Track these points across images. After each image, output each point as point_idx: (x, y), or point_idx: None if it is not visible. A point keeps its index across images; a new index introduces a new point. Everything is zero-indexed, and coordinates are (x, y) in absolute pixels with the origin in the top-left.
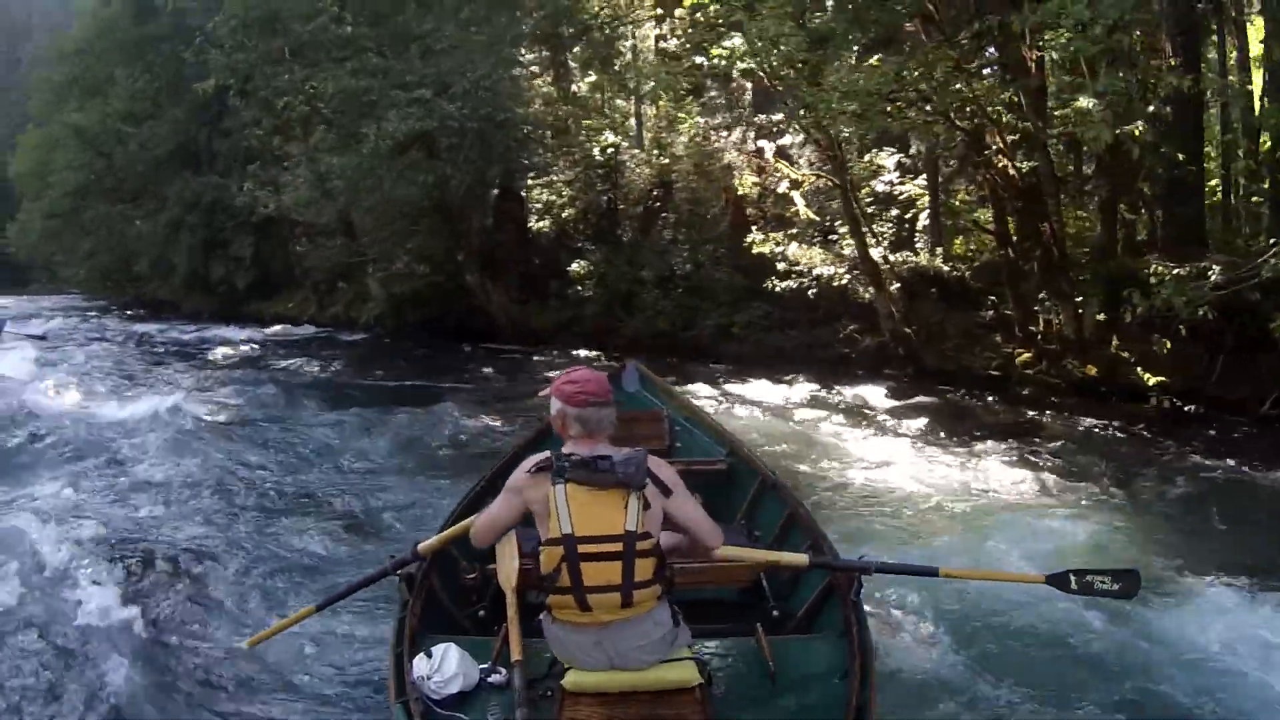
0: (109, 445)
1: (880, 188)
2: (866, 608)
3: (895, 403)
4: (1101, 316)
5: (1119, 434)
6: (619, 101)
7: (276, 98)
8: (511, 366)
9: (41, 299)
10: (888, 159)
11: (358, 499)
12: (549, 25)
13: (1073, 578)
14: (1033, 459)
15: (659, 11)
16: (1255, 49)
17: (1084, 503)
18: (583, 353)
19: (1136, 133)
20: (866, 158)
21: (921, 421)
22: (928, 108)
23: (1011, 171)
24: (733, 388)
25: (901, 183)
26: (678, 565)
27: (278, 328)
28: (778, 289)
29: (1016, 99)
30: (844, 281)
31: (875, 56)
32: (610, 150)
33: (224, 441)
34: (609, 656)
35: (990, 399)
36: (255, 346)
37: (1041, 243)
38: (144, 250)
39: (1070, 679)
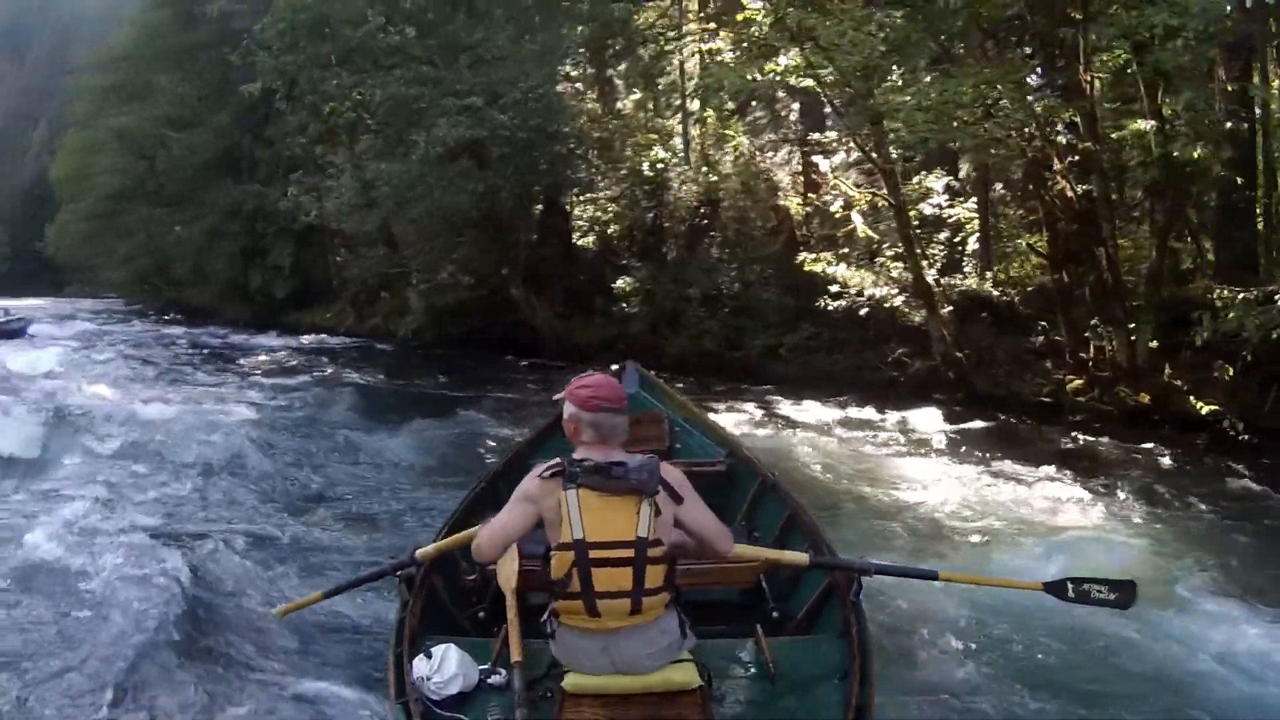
0: (143, 444)
1: (928, 210)
2: (866, 609)
3: (947, 428)
4: (1154, 344)
5: (1171, 462)
6: (659, 120)
7: (324, 103)
8: (554, 381)
9: (79, 301)
10: (936, 181)
11: (394, 500)
12: (603, 33)
13: (1070, 586)
14: (1087, 487)
15: (712, 25)
16: None
17: (1135, 531)
18: None
19: (1207, 153)
20: (915, 179)
21: (975, 448)
22: (987, 125)
23: (1070, 194)
24: (781, 410)
25: (950, 205)
26: (680, 566)
27: (315, 337)
28: (830, 308)
29: (1074, 119)
30: (895, 303)
31: (928, 76)
32: (660, 166)
33: (263, 441)
34: (614, 662)
35: (1042, 426)
36: (294, 354)
37: (1095, 267)
38: (182, 256)
39: (1070, 682)
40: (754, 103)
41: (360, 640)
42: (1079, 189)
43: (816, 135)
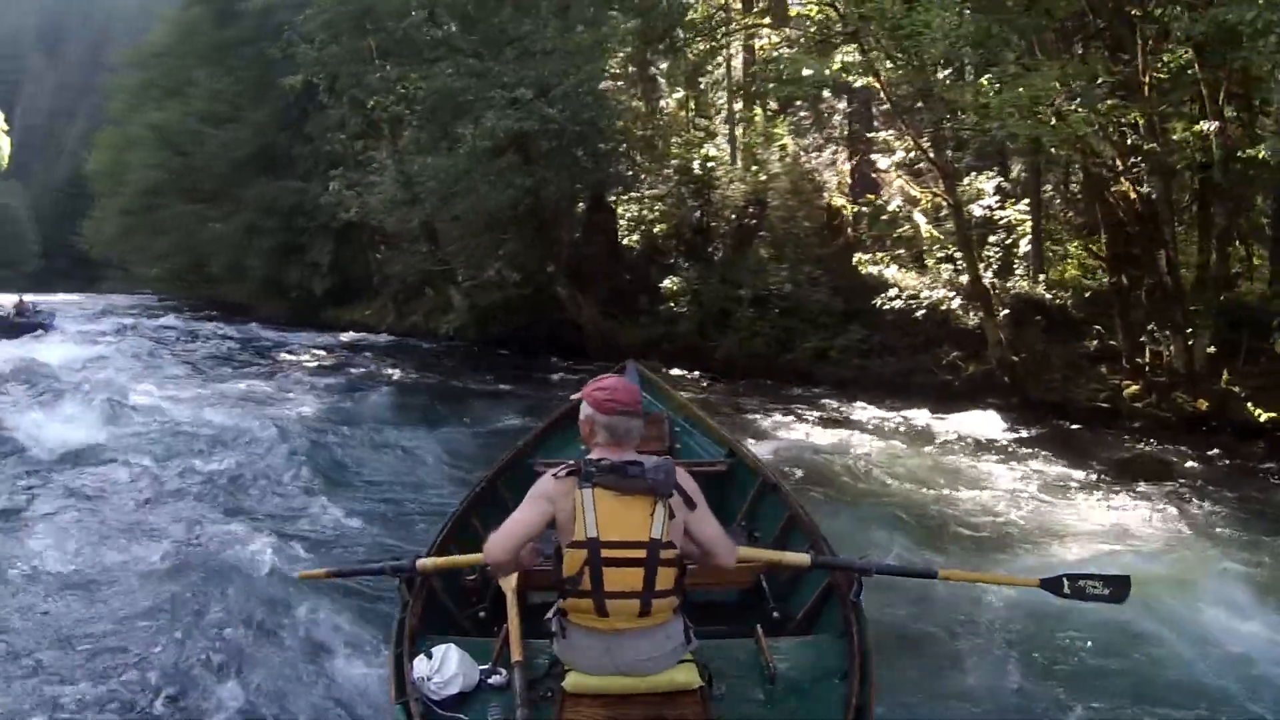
0: (181, 441)
1: (978, 212)
2: (866, 609)
3: (1003, 434)
4: (1211, 349)
5: (1230, 471)
6: (701, 119)
7: (367, 96)
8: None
9: (113, 297)
10: (987, 182)
11: (439, 498)
12: (662, 24)
13: (1066, 582)
14: (1145, 496)
15: (766, 20)
16: None
17: (1192, 540)
18: (675, 372)
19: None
20: (965, 180)
21: (1032, 454)
22: (1070, 121)
23: (1133, 195)
24: (835, 414)
25: (1001, 206)
26: None
27: (354, 335)
28: (886, 307)
29: (1137, 120)
30: (950, 306)
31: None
32: (710, 164)
33: (305, 439)
34: (617, 663)
35: (1099, 432)
36: (334, 352)
37: (1154, 270)
38: (219, 252)
39: (1072, 680)
40: (798, 102)
41: (360, 640)
42: (1140, 190)
43: (876, 134)
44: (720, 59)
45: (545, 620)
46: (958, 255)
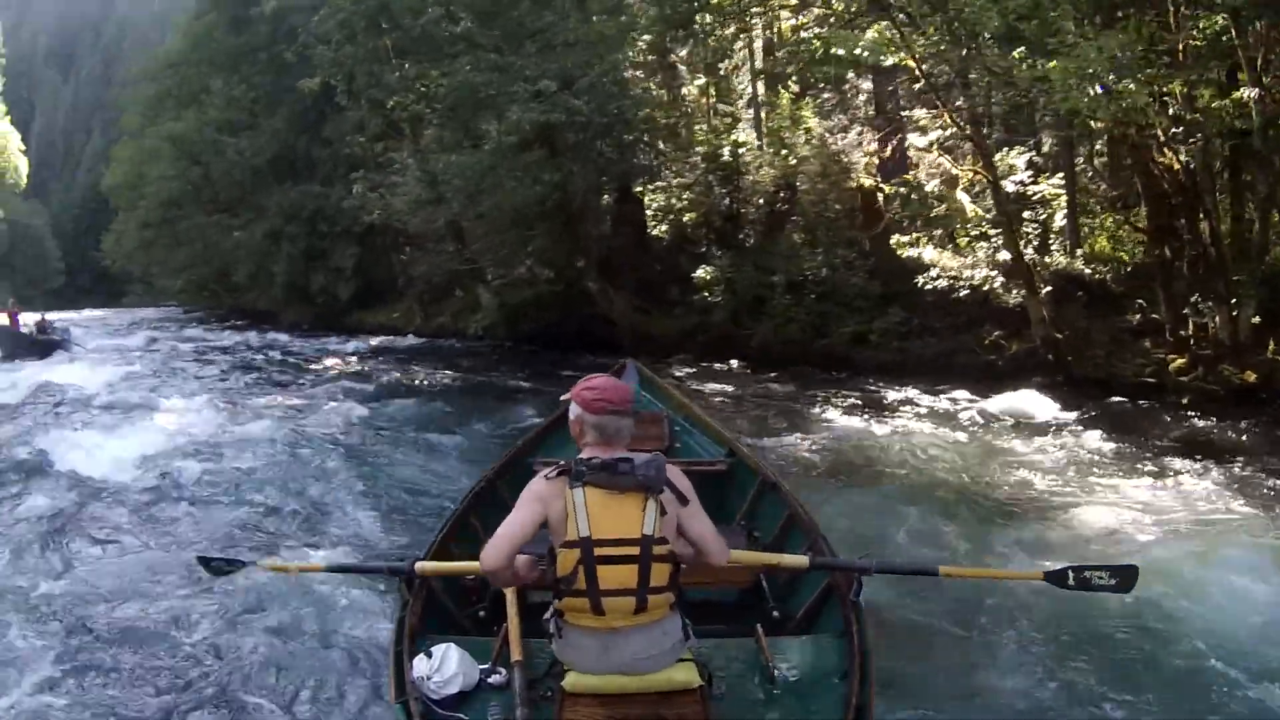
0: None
1: (1010, 188)
2: (866, 608)
3: (1051, 413)
4: (1256, 319)
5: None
6: (724, 106)
7: (386, 96)
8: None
9: (138, 310)
10: (1018, 158)
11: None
12: (685, 8)
13: (1070, 574)
14: (1198, 472)
15: (793, 1)
16: None
17: (1249, 518)
18: (711, 363)
19: None
20: (997, 156)
21: (1081, 433)
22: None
23: (1175, 166)
24: (877, 398)
25: (1034, 181)
26: (681, 565)
27: (382, 338)
28: (928, 288)
29: (1180, 89)
30: (992, 285)
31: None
32: (741, 149)
33: (345, 446)
34: (615, 662)
35: (1147, 408)
36: (364, 357)
37: (1197, 241)
38: (242, 260)
39: (1074, 678)
40: (821, 84)
41: (360, 640)
42: (1182, 160)
43: (908, 113)
44: (742, 41)
45: (543, 620)
46: (992, 233)
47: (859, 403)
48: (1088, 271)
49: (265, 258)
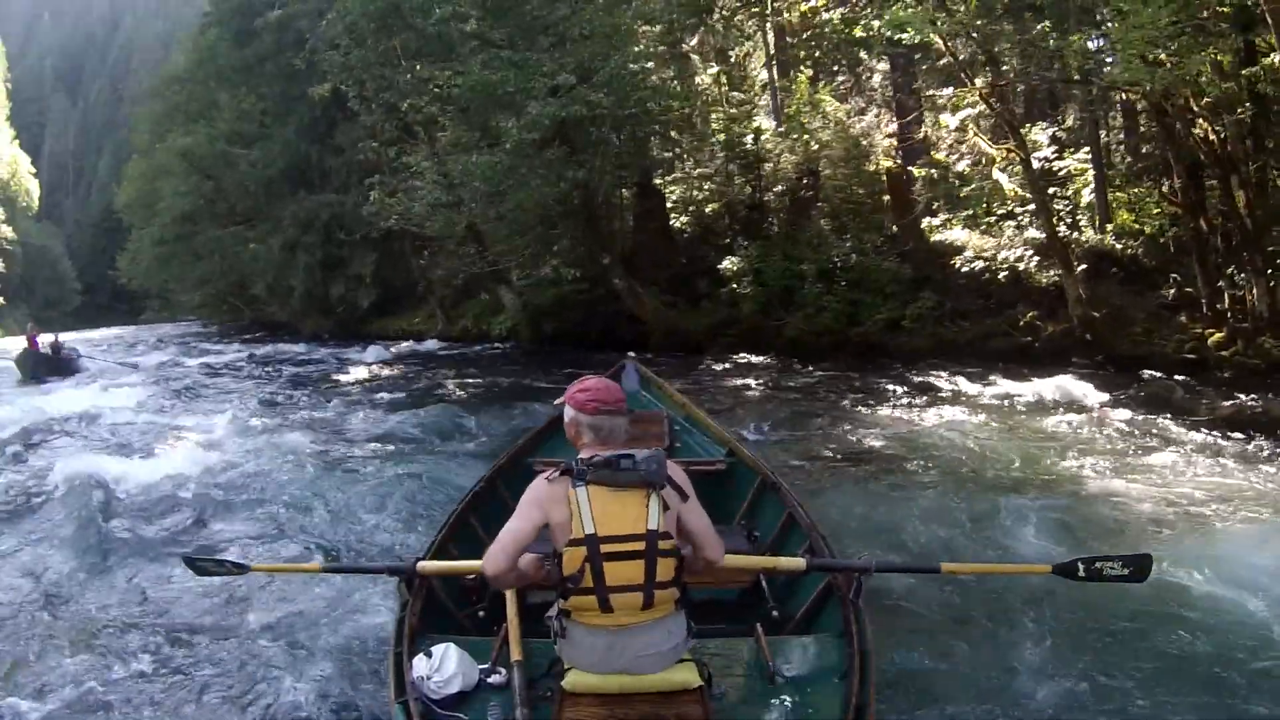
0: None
1: (1036, 164)
2: (866, 607)
3: (1092, 393)
4: None
5: None
6: (737, 94)
7: (399, 99)
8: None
9: (157, 327)
10: (1041, 134)
11: None
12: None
13: (1081, 565)
14: (1250, 449)
15: None
16: None
17: None
18: (743, 357)
19: None
20: (1022, 132)
21: (1126, 413)
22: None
23: (1212, 137)
24: (916, 384)
25: (1059, 157)
26: None
27: (404, 345)
28: (964, 270)
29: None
30: (1026, 265)
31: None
32: (763, 136)
33: (363, 446)
34: (619, 661)
35: (1189, 385)
36: (388, 364)
37: (1233, 214)
38: (259, 273)
39: (1076, 676)
40: (834, 68)
41: (360, 640)
42: (1218, 130)
43: (935, 93)
44: (754, 27)
45: (546, 620)
46: (1019, 211)
47: (896, 390)
48: (1119, 247)
49: (283, 269)
